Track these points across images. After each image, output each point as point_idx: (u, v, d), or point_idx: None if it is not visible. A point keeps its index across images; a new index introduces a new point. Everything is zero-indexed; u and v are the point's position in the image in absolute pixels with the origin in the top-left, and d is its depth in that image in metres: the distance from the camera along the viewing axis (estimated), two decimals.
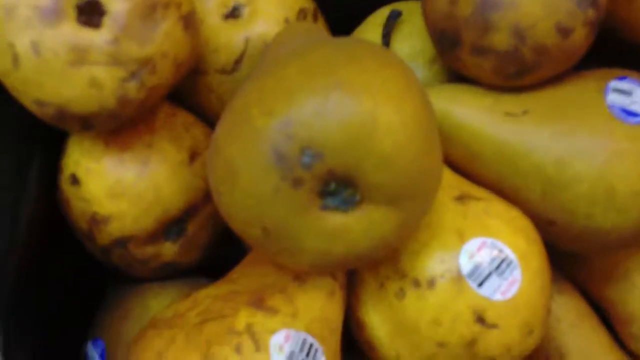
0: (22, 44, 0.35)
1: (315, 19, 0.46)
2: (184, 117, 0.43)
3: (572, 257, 0.46)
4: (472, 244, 0.37)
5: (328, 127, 0.29)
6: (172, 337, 0.34)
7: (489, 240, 0.37)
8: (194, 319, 0.35)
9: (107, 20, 0.35)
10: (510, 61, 0.39)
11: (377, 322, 0.40)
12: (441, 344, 0.37)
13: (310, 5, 0.46)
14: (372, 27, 0.48)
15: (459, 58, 0.40)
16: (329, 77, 0.29)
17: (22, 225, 0.39)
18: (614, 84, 0.40)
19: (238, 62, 0.44)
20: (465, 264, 0.37)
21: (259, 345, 0.33)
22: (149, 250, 0.42)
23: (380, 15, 0.48)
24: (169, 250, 0.43)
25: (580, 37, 0.38)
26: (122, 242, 0.41)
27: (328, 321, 0.38)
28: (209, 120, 0.46)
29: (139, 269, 0.43)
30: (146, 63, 0.36)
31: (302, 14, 0.45)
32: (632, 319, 0.44)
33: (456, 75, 0.43)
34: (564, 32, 0.38)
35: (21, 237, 0.39)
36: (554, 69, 0.39)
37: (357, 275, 0.41)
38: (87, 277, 0.48)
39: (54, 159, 0.43)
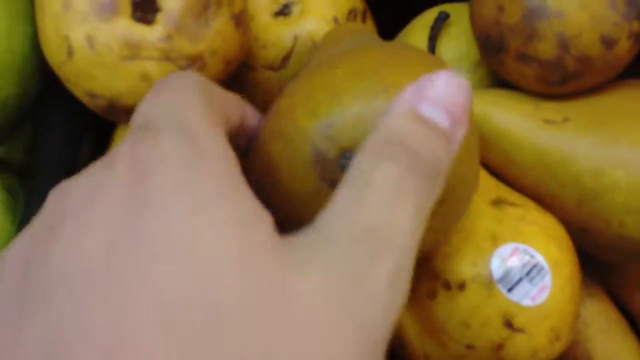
0: (77, 37, 0.36)
1: (364, 19, 0.47)
2: None
3: (604, 263, 0.47)
4: (505, 249, 0.38)
5: (369, 131, 0.29)
6: None
7: (522, 246, 0.38)
8: None
9: (161, 17, 0.37)
10: (553, 70, 0.39)
11: (408, 320, 0.41)
12: (469, 346, 0.38)
13: (360, 6, 0.47)
14: (419, 29, 0.48)
15: (503, 63, 0.41)
16: (375, 81, 0.30)
17: None
18: None
19: (286, 59, 0.45)
20: (496, 269, 0.38)
21: None
22: None
23: (428, 17, 0.48)
24: None
25: (624, 49, 0.38)
26: None
27: None
28: None
29: None
30: (196, 60, 0.37)
31: (352, 14, 0.46)
32: None
33: (499, 80, 0.43)
34: (608, 43, 0.38)
35: None
36: (596, 78, 0.40)
37: None
38: None
39: (103, 145, 0.45)
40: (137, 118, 0.24)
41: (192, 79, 0.26)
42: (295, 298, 0.20)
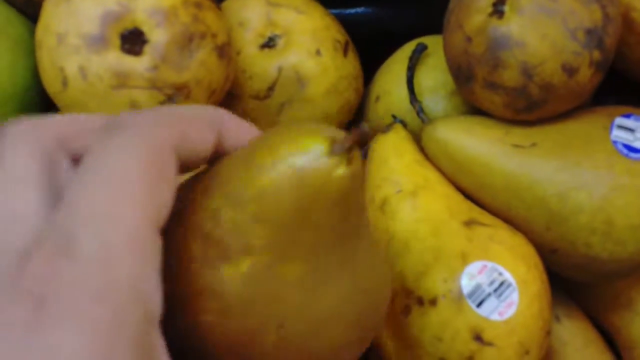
0: (71, 68, 0.39)
1: (346, 51, 0.49)
2: None
3: (581, 285, 0.48)
4: (474, 267, 0.40)
5: None
6: None
7: (490, 264, 0.40)
8: None
9: (148, 49, 0.39)
10: (519, 97, 0.41)
11: (385, 336, 0.43)
12: None
13: (342, 38, 0.49)
14: (400, 59, 0.51)
15: (473, 92, 0.43)
16: None
17: None
18: (619, 120, 0.42)
19: (271, 89, 0.47)
20: (466, 285, 0.39)
21: None
22: None
23: (409, 49, 0.51)
24: None
25: (586, 77, 0.40)
26: None
27: None
28: None
29: None
30: (182, 88, 0.40)
31: (335, 45, 0.48)
32: (635, 345, 0.46)
33: (474, 107, 0.46)
34: (570, 71, 0.40)
35: None
36: (561, 105, 0.42)
37: None
38: None
39: None
40: None
41: (136, 141, 0.24)
42: None
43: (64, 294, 0.20)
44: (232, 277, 0.26)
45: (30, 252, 0.21)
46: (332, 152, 0.25)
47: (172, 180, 0.24)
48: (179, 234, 0.27)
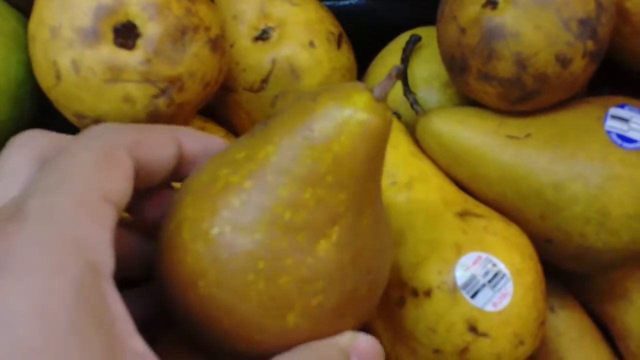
0: (64, 62, 0.39)
1: (340, 43, 0.49)
2: (213, 131, 0.47)
3: (576, 275, 0.48)
4: (468, 258, 0.40)
5: None
6: None
7: (484, 255, 0.40)
8: None
9: (141, 43, 0.39)
10: (513, 87, 0.41)
11: (380, 328, 0.43)
12: (436, 351, 0.40)
13: (336, 30, 0.49)
14: (393, 51, 0.51)
15: (467, 83, 0.43)
16: None
17: None
18: (613, 111, 0.42)
19: (264, 81, 0.47)
20: (460, 276, 0.40)
21: None
22: None
23: (402, 40, 0.51)
24: None
25: (580, 67, 0.40)
26: None
27: None
28: (238, 133, 0.50)
29: None
30: (175, 82, 0.40)
31: (328, 37, 0.48)
32: (630, 335, 0.46)
33: (468, 98, 0.46)
34: (564, 62, 0.40)
35: None
36: (555, 96, 0.42)
37: None
38: None
39: None
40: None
41: (92, 142, 0.28)
42: None
43: (8, 248, 0.23)
44: (327, 252, 0.28)
45: None
46: (377, 100, 0.27)
47: (125, 171, 0.27)
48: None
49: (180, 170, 0.32)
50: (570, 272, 0.46)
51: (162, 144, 0.30)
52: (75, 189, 0.25)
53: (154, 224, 0.32)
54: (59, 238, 0.23)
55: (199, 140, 0.33)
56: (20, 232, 0.23)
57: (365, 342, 0.30)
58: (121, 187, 0.27)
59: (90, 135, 0.28)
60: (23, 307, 0.21)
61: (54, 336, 0.21)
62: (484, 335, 0.39)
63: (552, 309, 0.48)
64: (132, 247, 0.33)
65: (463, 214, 0.42)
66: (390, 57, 0.51)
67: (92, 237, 0.24)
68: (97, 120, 0.40)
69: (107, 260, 0.24)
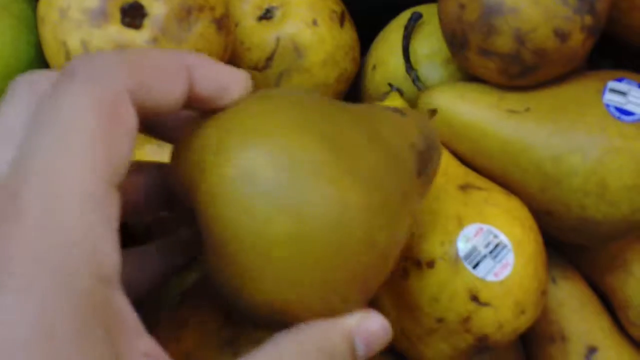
0: (74, 42, 0.40)
1: (342, 21, 0.50)
2: None
3: (577, 247, 0.49)
4: (470, 229, 0.41)
5: None
6: None
7: (486, 227, 0.41)
8: None
9: (147, 22, 0.40)
10: (512, 63, 0.42)
11: (385, 299, 0.44)
12: (440, 320, 0.41)
13: (339, 8, 0.50)
14: (395, 28, 0.52)
15: (467, 59, 0.44)
16: None
17: None
18: (612, 84, 0.42)
19: (269, 59, 0.48)
20: (462, 247, 0.40)
21: None
22: None
23: (404, 18, 0.51)
24: None
25: (578, 41, 0.41)
26: None
27: None
28: None
29: None
30: None
31: (331, 15, 0.49)
32: (630, 305, 0.47)
33: (469, 74, 0.46)
34: (562, 36, 0.41)
35: None
36: (554, 70, 0.42)
37: None
38: None
39: None
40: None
41: (88, 90, 0.22)
42: None
43: (6, 258, 0.20)
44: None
45: None
46: None
47: (130, 131, 0.23)
48: None
49: (187, 106, 0.27)
50: (570, 244, 0.46)
51: (169, 89, 0.25)
52: (76, 179, 0.21)
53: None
54: (62, 246, 0.20)
55: (214, 78, 0.27)
56: (19, 239, 0.20)
57: (375, 324, 0.28)
58: (126, 154, 0.23)
59: (87, 74, 0.23)
60: (25, 331, 0.19)
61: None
62: (486, 304, 0.40)
63: (553, 280, 0.49)
64: (139, 191, 0.30)
65: (464, 187, 0.43)
66: (392, 34, 0.52)
67: (98, 241, 0.21)
68: None
69: (112, 263, 0.22)
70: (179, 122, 0.29)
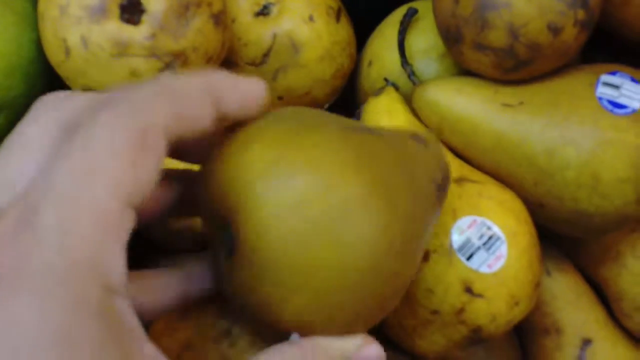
0: (73, 38, 0.40)
1: (339, 17, 0.51)
2: None
3: (572, 239, 0.50)
4: (464, 222, 0.41)
5: None
6: None
7: (479, 219, 0.41)
8: None
9: (146, 18, 0.41)
10: (506, 57, 0.42)
11: None
12: (435, 312, 0.41)
13: (335, 4, 0.51)
14: (391, 24, 0.52)
15: (461, 53, 0.44)
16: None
17: None
18: (605, 77, 0.43)
19: (266, 55, 0.49)
20: (456, 239, 0.41)
21: None
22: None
23: (400, 13, 0.52)
24: None
25: (571, 36, 0.42)
26: None
27: None
28: None
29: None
30: (179, 55, 0.41)
31: (327, 11, 0.50)
32: (623, 297, 0.47)
33: (464, 69, 0.47)
34: (555, 30, 0.41)
35: None
36: (548, 64, 0.43)
37: None
38: None
39: None
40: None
41: (125, 119, 0.24)
42: None
43: (21, 267, 0.21)
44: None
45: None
46: None
47: (158, 158, 0.25)
48: None
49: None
50: (565, 236, 0.47)
51: (200, 116, 0.27)
52: (94, 197, 0.23)
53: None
54: (74, 262, 0.22)
55: (239, 96, 0.29)
56: (33, 250, 0.21)
57: (373, 352, 0.29)
58: (149, 179, 0.25)
59: (123, 107, 0.24)
60: (44, 333, 0.21)
61: None
62: (480, 295, 0.40)
63: (548, 272, 0.49)
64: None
65: (459, 180, 0.43)
66: (388, 30, 0.52)
67: (107, 256, 0.23)
68: None
69: (118, 273, 0.23)
70: (205, 144, 0.31)
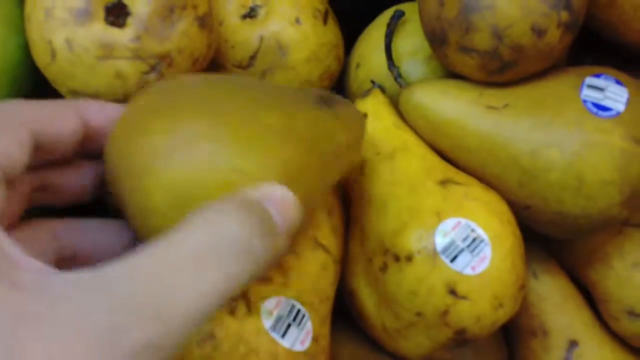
0: (58, 40, 0.40)
1: (326, 19, 0.51)
2: None
3: (558, 241, 0.50)
4: (448, 224, 0.41)
5: None
6: None
7: (463, 221, 0.41)
8: None
9: (131, 21, 0.41)
10: (490, 59, 0.42)
11: (366, 293, 0.45)
12: (418, 314, 0.41)
13: (322, 7, 0.51)
14: (379, 26, 0.52)
15: (447, 55, 0.44)
16: None
17: None
18: (589, 80, 0.43)
19: (253, 58, 0.49)
20: (440, 241, 0.41)
21: (251, 309, 0.38)
22: None
23: (387, 16, 0.52)
24: None
25: (555, 38, 0.42)
26: None
27: (319, 291, 0.42)
28: None
29: None
30: (164, 58, 0.41)
31: (314, 14, 0.50)
32: (610, 299, 0.47)
33: (451, 71, 0.47)
34: (539, 32, 0.41)
35: None
36: (532, 66, 0.43)
37: (350, 251, 0.46)
38: None
39: None
40: None
41: None
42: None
43: None
44: None
45: None
46: None
47: (20, 140, 0.29)
48: None
49: (89, 143, 0.34)
50: (551, 238, 0.47)
51: (62, 118, 0.32)
52: None
53: (69, 191, 0.35)
54: None
55: (103, 110, 0.35)
56: None
57: (280, 192, 0.30)
58: (11, 151, 0.28)
59: None
60: None
61: None
62: (464, 297, 0.41)
63: (534, 274, 0.50)
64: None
65: (444, 182, 0.43)
66: (375, 32, 0.53)
67: None
68: (90, 97, 0.41)
69: None
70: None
